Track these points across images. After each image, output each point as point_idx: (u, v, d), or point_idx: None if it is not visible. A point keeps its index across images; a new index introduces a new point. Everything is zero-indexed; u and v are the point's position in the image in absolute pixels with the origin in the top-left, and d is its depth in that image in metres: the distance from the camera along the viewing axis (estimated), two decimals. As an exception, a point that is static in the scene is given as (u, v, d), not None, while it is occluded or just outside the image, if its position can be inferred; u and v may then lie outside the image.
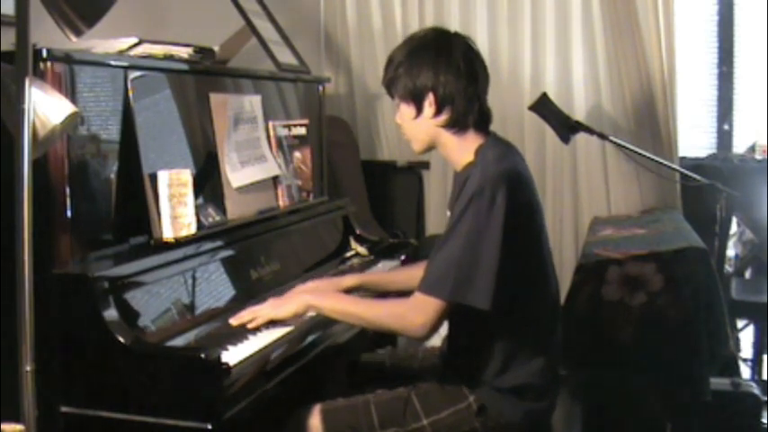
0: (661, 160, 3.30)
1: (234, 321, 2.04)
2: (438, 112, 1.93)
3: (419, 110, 1.94)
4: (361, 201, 3.56)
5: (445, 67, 1.91)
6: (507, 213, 1.81)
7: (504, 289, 1.82)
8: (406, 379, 2.15)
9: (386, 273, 2.50)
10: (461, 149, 1.96)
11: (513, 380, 1.94)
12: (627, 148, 3.25)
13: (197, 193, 2.13)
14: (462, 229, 1.83)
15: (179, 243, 2.03)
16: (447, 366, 2.08)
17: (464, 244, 1.82)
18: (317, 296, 2.06)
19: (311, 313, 2.09)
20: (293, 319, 2.05)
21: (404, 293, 2.04)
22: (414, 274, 2.27)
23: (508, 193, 1.82)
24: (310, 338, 2.09)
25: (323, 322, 2.16)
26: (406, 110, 1.97)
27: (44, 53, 1.76)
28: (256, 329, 2.01)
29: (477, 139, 1.96)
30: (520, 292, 1.90)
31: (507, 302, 1.85)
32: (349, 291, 2.26)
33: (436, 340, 2.18)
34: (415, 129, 1.99)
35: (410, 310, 1.88)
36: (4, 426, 1.67)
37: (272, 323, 2.04)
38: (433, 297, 1.84)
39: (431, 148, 2.02)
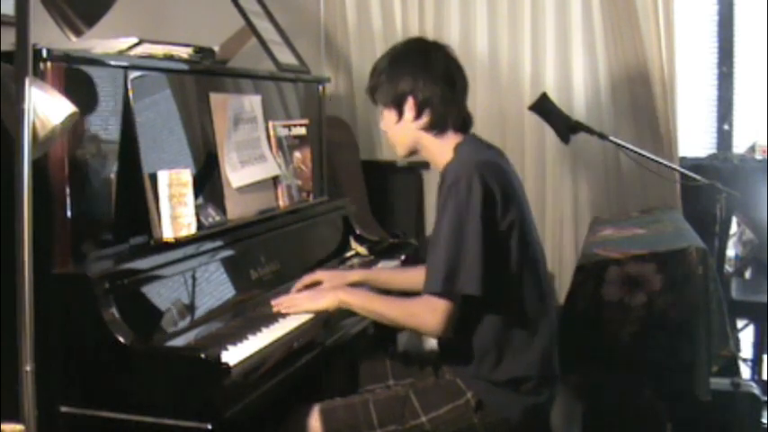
0: (661, 160, 3.30)
1: (274, 307, 2.14)
2: (418, 116, 2.03)
3: (400, 114, 2.05)
4: (361, 201, 3.56)
5: (424, 73, 2.02)
6: (484, 200, 1.89)
7: (491, 274, 1.89)
8: (405, 378, 2.16)
9: (389, 271, 2.53)
10: (442, 150, 2.05)
11: (508, 372, 1.97)
12: (627, 148, 3.24)
13: (197, 193, 2.13)
14: (445, 222, 1.91)
15: (179, 243, 2.03)
16: (444, 363, 2.09)
17: (449, 236, 1.90)
18: (348, 293, 2.11)
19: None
20: (326, 311, 2.13)
21: (405, 294, 2.11)
22: (413, 275, 2.30)
23: (481, 180, 1.90)
24: (310, 339, 2.09)
25: (323, 323, 2.16)
26: (389, 115, 2.08)
27: (44, 53, 1.77)
28: (257, 330, 2.01)
29: (456, 138, 2.05)
30: (506, 279, 1.94)
31: (497, 290, 1.91)
32: (353, 285, 2.30)
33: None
34: (397, 133, 2.09)
35: (423, 309, 1.94)
36: (4, 426, 1.67)
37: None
38: (435, 295, 1.90)
39: (413, 151, 2.11)
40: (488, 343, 1.97)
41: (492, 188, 1.91)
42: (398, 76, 2.03)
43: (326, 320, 2.18)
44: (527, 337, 1.98)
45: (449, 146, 2.04)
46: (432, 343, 3.53)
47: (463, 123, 2.07)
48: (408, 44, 2.12)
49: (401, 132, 2.07)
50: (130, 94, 2.00)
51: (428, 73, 2.02)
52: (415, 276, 2.30)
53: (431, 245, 1.95)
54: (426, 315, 1.92)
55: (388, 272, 2.52)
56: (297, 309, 2.12)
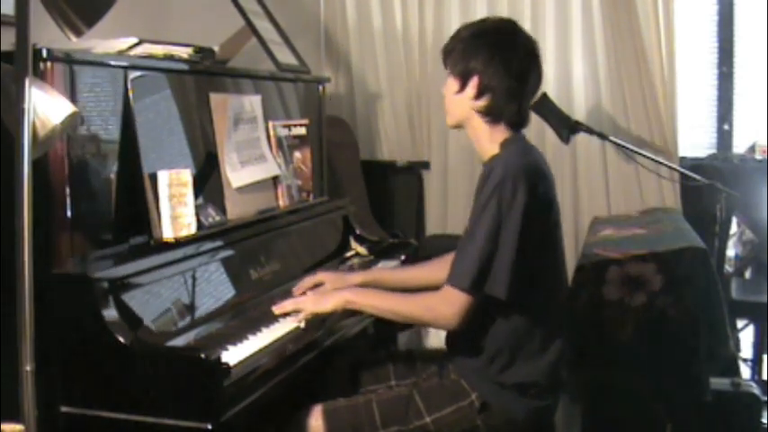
0: (661, 160, 3.30)
1: (277, 310, 2.10)
2: (477, 97, 1.99)
3: (462, 87, 2.01)
4: (361, 201, 3.56)
5: (499, 60, 1.97)
6: (526, 207, 1.87)
7: (519, 281, 1.88)
8: (407, 378, 2.15)
9: (391, 272, 2.52)
10: (489, 139, 2.02)
11: (517, 376, 1.96)
12: (627, 148, 3.24)
13: (197, 193, 2.13)
14: (484, 221, 1.89)
15: (179, 243, 2.03)
16: (451, 363, 2.08)
17: (486, 235, 1.88)
18: (354, 293, 2.09)
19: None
20: (332, 314, 2.11)
21: (408, 292, 2.10)
22: (417, 274, 2.29)
23: (528, 186, 1.89)
24: (311, 338, 2.09)
25: (323, 322, 2.16)
26: (452, 83, 2.04)
27: (44, 53, 1.77)
28: (257, 330, 2.01)
29: (505, 132, 2.02)
30: (533, 286, 1.93)
31: (521, 295, 1.90)
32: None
33: (438, 340, 2.18)
34: (453, 103, 2.06)
35: (440, 302, 1.93)
36: (4, 426, 1.67)
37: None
38: (459, 289, 1.89)
39: (460, 126, 2.08)
40: (502, 345, 1.96)
41: (537, 194, 1.90)
42: (474, 51, 1.98)
43: (326, 321, 2.17)
44: (542, 344, 1.98)
45: (497, 138, 2.01)
46: (433, 342, 3.53)
47: (518, 122, 2.04)
48: (498, 24, 2.08)
49: (456, 104, 2.04)
50: (130, 94, 2.00)
51: (503, 62, 1.97)
52: (419, 276, 2.30)
53: (464, 238, 1.94)
54: (443, 307, 1.92)
55: (391, 272, 2.50)
56: (301, 315, 2.08)
